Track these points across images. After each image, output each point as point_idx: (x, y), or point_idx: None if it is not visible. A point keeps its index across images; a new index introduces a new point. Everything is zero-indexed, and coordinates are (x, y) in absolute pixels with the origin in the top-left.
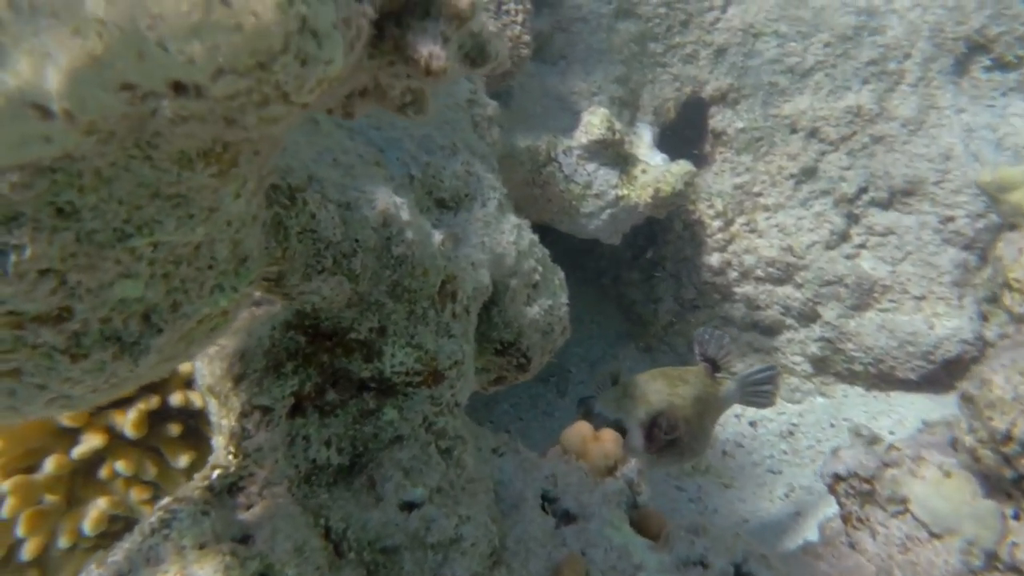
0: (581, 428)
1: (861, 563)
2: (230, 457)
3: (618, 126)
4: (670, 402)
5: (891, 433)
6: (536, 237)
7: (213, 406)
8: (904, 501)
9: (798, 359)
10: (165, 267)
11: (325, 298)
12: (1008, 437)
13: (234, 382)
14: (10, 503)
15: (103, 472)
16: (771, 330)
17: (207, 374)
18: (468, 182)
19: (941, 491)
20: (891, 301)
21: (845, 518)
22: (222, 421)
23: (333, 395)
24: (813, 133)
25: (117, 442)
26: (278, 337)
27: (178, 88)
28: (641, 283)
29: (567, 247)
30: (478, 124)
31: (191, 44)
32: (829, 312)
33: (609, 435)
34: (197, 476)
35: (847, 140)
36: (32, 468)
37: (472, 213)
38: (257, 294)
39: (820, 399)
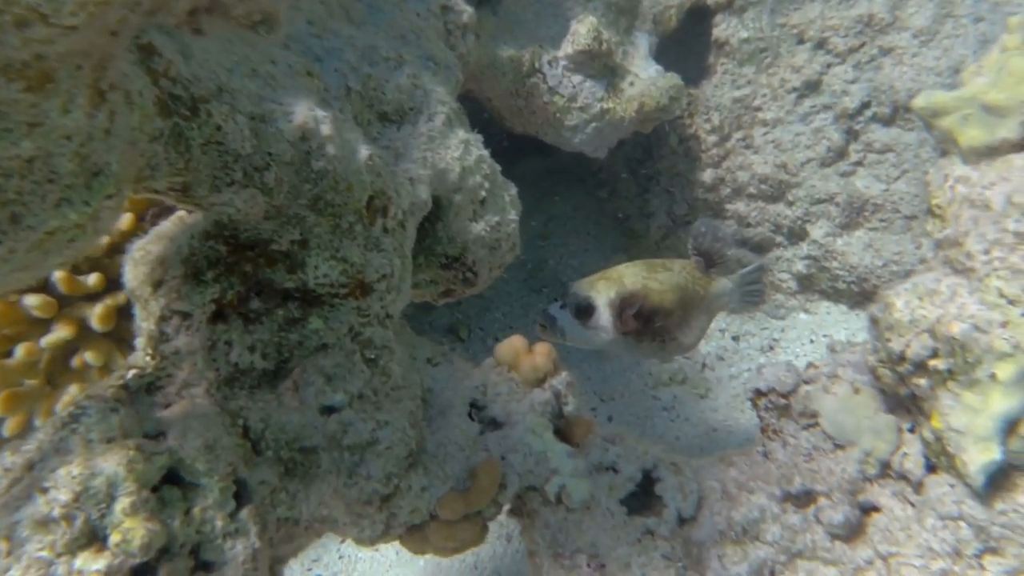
0: (515, 342)
1: (770, 470)
2: (147, 359)
3: (606, 36)
4: (645, 285)
5: None
6: (486, 153)
7: (136, 309)
8: (815, 415)
9: (785, 276)
10: None
11: (239, 210)
12: (902, 358)
13: (153, 287)
14: None
15: (76, 361)
16: (761, 247)
17: (131, 278)
18: (413, 96)
19: (848, 406)
20: (881, 220)
21: (763, 430)
22: (143, 324)
23: (258, 303)
24: (821, 44)
25: (90, 334)
26: (197, 246)
27: None
28: (636, 197)
29: (570, 158)
30: (451, 32)
31: None
32: (817, 230)
33: (541, 348)
34: (113, 375)
35: (855, 52)
36: (6, 354)
37: (416, 128)
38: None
39: (803, 315)
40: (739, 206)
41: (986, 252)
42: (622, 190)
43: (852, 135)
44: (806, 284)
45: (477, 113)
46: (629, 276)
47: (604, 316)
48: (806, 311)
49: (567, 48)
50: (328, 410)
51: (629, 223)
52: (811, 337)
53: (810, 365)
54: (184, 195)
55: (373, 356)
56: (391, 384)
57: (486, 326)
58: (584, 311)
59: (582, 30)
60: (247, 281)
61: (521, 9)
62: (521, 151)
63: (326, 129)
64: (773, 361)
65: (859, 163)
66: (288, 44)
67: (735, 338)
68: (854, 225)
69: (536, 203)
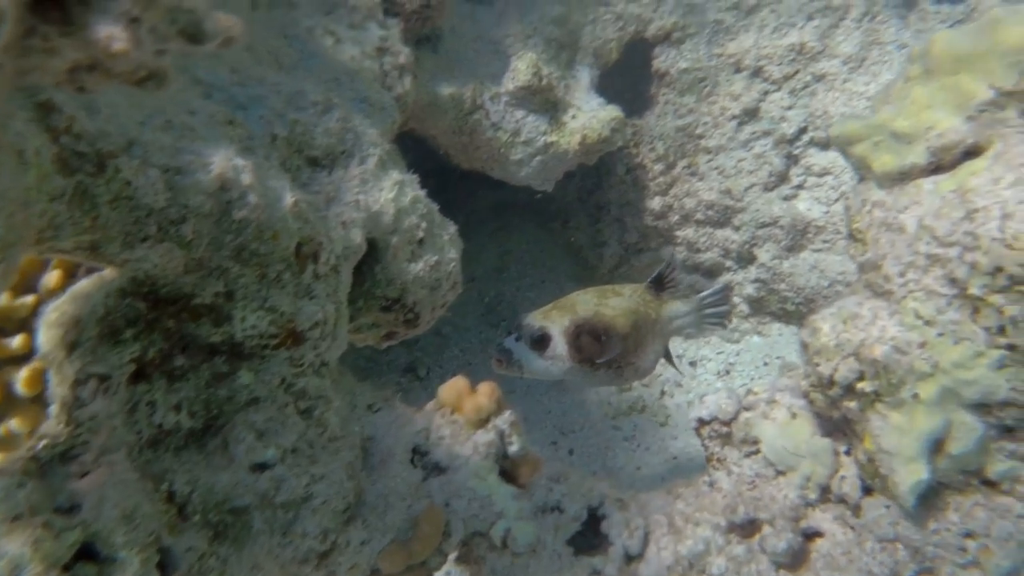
0: (457, 383)
1: (716, 500)
2: (61, 427)
3: (547, 71)
4: (597, 311)
5: None
6: (422, 193)
7: (51, 374)
8: (756, 442)
9: (736, 300)
10: None
11: (157, 265)
12: (832, 381)
13: (67, 350)
14: None
15: (0, 430)
16: (711, 272)
17: (44, 341)
18: (344, 139)
19: (786, 431)
20: (824, 241)
21: (708, 459)
22: (57, 389)
23: (183, 360)
24: (757, 72)
25: (15, 399)
26: (113, 304)
27: None
28: (588, 227)
29: (522, 191)
30: (387, 74)
31: None
32: (764, 254)
33: (484, 388)
34: (22, 447)
35: (790, 79)
36: None
37: (348, 171)
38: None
39: (756, 338)
40: (688, 232)
41: (902, 275)
42: (574, 221)
43: (792, 159)
44: (757, 307)
45: (433, 151)
46: (581, 304)
47: (560, 345)
48: (759, 334)
49: (508, 84)
50: (260, 467)
51: (583, 253)
52: (765, 360)
53: (750, 391)
54: (93, 253)
55: (307, 407)
56: (328, 435)
57: (445, 363)
58: (539, 341)
59: (522, 66)
60: (170, 337)
61: (462, 47)
62: (474, 186)
63: (247, 178)
64: (727, 386)
65: (800, 186)
66: (211, 93)
67: (692, 364)
68: (798, 247)
69: (491, 237)
